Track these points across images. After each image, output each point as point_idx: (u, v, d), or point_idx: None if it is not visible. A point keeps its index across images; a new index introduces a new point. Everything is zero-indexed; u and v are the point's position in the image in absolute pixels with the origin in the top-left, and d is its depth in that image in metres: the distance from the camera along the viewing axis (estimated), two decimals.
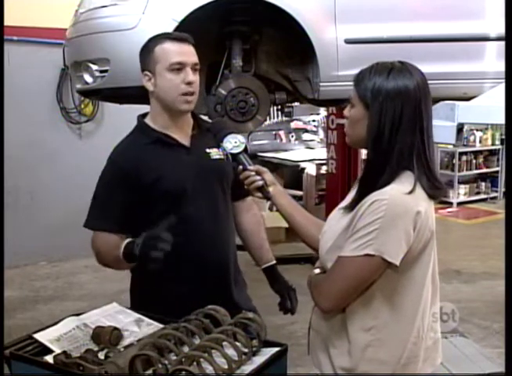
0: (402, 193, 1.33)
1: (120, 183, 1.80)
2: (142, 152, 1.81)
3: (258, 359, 1.38)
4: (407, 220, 1.31)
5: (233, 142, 1.65)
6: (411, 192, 1.33)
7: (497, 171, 8.64)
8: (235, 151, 1.65)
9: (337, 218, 1.46)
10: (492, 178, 8.66)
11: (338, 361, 1.42)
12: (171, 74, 1.75)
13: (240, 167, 1.64)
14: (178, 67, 1.74)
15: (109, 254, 1.74)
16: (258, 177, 1.61)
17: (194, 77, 1.77)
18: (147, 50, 1.79)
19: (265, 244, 2.04)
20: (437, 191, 1.39)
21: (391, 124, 1.34)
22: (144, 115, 1.89)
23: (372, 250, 1.31)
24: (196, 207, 1.82)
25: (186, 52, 1.76)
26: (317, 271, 1.49)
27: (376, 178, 1.35)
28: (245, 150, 1.65)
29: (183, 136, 1.84)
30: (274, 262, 2.02)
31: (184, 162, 1.81)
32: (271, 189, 1.61)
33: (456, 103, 2.64)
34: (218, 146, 1.68)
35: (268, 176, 1.63)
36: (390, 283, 1.37)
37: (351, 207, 1.39)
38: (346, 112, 1.45)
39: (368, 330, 1.39)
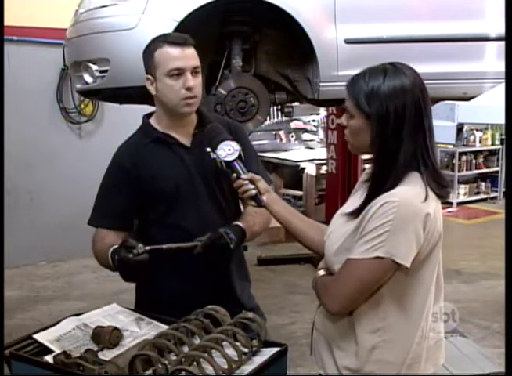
0: (412, 195, 1.33)
1: (121, 181, 1.82)
2: (142, 151, 1.83)
3: (258, 359, 1.38)
4: (417, 222, 1.31)
5: (227, 150, 1.64)
6: (425, 199, 1.32)
7: (497, 171, 8.63)
8: (228, 159, 1.64)
9: (344, 220, 1.45)
10: (491, 179, 8.65)
11: (343, 362, 1.42)
12: (171, 80, 1.73)
13: (234, 175, 1.64)
14: (177, 73, 1.73)
15: (105, 254, 1.73)
16: (252, 186, 1.61)
17: (194, 82, 1.74)
18: (148, 54, 1.78)
19: (249, 222, 1.81)
20: (444, 190, 1.40)
21: (395, 128, 1.34)
22: (149, 115, 1.90)
23: (382, 252, 1.30)
24: (194, 206, 1.82)
25: (185, 57, 1.73)
26: (322, 272, 1.48)
27: (383, 181, 1.35)
28: (239, 157, 1.65)
29: (185, 136, 1.84)
30: (240, 225, 1.78)
31: (183, 162, 1.82)
32: (264, 197, 1.61)
33: (456, 102, 2.64)
34: (210, 154, 1.66)
35: (262, 184, 1.62)
36: (399, 284, 1.37)
37: (358, 212, 1.38)
38: (344, 121, 1.44)
39: (375, 332, 1.39)
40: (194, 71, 1.75)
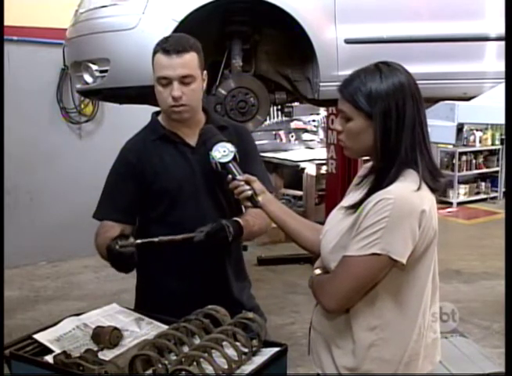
0: (407, 192, 1.34)
1: (127, 176, 1.84)
2: (148, 147, 1.85)
3: (258, 359, 1.39)
4: (413, 219, 1.32)
5: (222, 151, 1.66)
6: (418, 189, 1.34)
7: (497, 171, 8.64)
8: (223, 160, 1.65)
9: (340, 218, 1.46)
10: (491, 179, 8.66)
11: (341, 361, 1.43)
12: (160, 87, 1.76)
13: (229, 176, 1.65)
14: (165, 82, 1.74)
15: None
16: (247, 186, 1.62)
17: (180, 91, 1.74)
18: (152, 57, 1.80)
19: (249, 221, 1.81)
20: (438, 183, 1.41)
21: (397, 125, 1.35)
22: (159, 112, 1.91)
23: (378, 249, 1.31)
24: (195, 205, 1.83)
25: (174, 66, 1.73)
26: (318, 271, 1.49)
27: (382, 177, 1.36)
28: (234, 158, 1.66)
29: (191, 135, 1.85)
30: (240, 221, 1.80)
31: (186, 161, 1.83)
32: (260, 198, 1.61)
33: (456, 102, 2.64)
34: (208, 155, 1.68)
35: (258, 185, 1.63)
36: (394, 282, 1.38)
37: (356, 207, 1.39)
38: (338, 126, 1.44)
39: (372, 330, 1.39)
40: (182, 81, 1.74)
